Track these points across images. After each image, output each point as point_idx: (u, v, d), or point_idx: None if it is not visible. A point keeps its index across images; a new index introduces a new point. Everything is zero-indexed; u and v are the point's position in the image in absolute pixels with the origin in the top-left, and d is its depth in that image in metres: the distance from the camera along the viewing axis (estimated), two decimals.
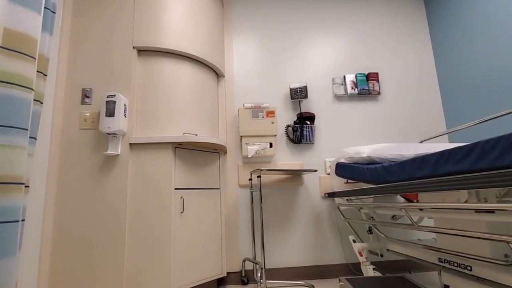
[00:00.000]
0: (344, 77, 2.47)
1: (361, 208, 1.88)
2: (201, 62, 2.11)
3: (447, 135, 2.42)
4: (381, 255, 1.80)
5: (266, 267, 2.11)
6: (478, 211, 1.01)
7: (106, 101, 1.68)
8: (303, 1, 2.60)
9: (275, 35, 2.52)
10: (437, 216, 1.25)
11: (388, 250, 1.72)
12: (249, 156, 2.13)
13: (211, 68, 2.23)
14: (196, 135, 1.93)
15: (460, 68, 2.31)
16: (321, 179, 2.28)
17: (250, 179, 2.18)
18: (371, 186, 1.42)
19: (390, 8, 2.66)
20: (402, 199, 1.87)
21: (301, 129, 2.29)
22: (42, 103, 1.37)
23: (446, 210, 1.16)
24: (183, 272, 1.69)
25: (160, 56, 1.94)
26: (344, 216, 1.99)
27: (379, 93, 2.45)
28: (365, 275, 1.77)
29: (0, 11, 1.07)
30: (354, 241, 1.85)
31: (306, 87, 2.33)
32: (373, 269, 1.75)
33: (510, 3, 1.91)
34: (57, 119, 1.73)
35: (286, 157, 2.32)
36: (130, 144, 1.74)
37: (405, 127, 2.44)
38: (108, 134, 1.69)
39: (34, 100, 1.30)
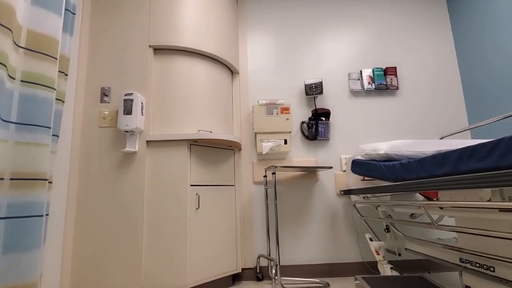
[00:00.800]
0: (361, 72, 2.41)
1: (378, 206, 1.85)
2: (216, 59, 2.13)
3: (469, 131, 2.33)
4: (399, 254, 1.77)
5: (280, 264, 2.12)
6: (502, 210, 0.97)
7: (124, 100, 1.73)
8: None
9: (289, 31, 2.50)
10: (458, 215, 1.21)
11: (406, 249, 1.68)
12: (263, 153, 2.13)
13: (225, 65, 2.23)
14: (211, 132, 1.95)
15: (484, 62, 2.21)
16: (336, 176, 2.25)
17: (265, 176, 2.18)
18: (389, 184, 1.39)
19: (408, 0, 2.57)
20: (421, 197, 1.82)
21: (316, 126, 2.26)
22: (63, 102, 1.42)
23: (468, 209, 1.12)
24: (199, 267, 1.72)
25: (176, 54, 1.96)
26: (360, 214, 1.96)
27: (397, 88, 2.38)
28: (382, 274, 1.75)
29: (23, 14, 1.11)
30: (371, 239, 1.82)
31: (321, 82, 2.29)
32: (391, 268, 1.72)
33: None
34: (78, 117, 1.79)
35: (301, 154, 2.30)
36: (147, 141, 1.77)
37: (424, 123, 2.37)
38: (126, 131, 1.73)
39: (56, 99, 1.35)
